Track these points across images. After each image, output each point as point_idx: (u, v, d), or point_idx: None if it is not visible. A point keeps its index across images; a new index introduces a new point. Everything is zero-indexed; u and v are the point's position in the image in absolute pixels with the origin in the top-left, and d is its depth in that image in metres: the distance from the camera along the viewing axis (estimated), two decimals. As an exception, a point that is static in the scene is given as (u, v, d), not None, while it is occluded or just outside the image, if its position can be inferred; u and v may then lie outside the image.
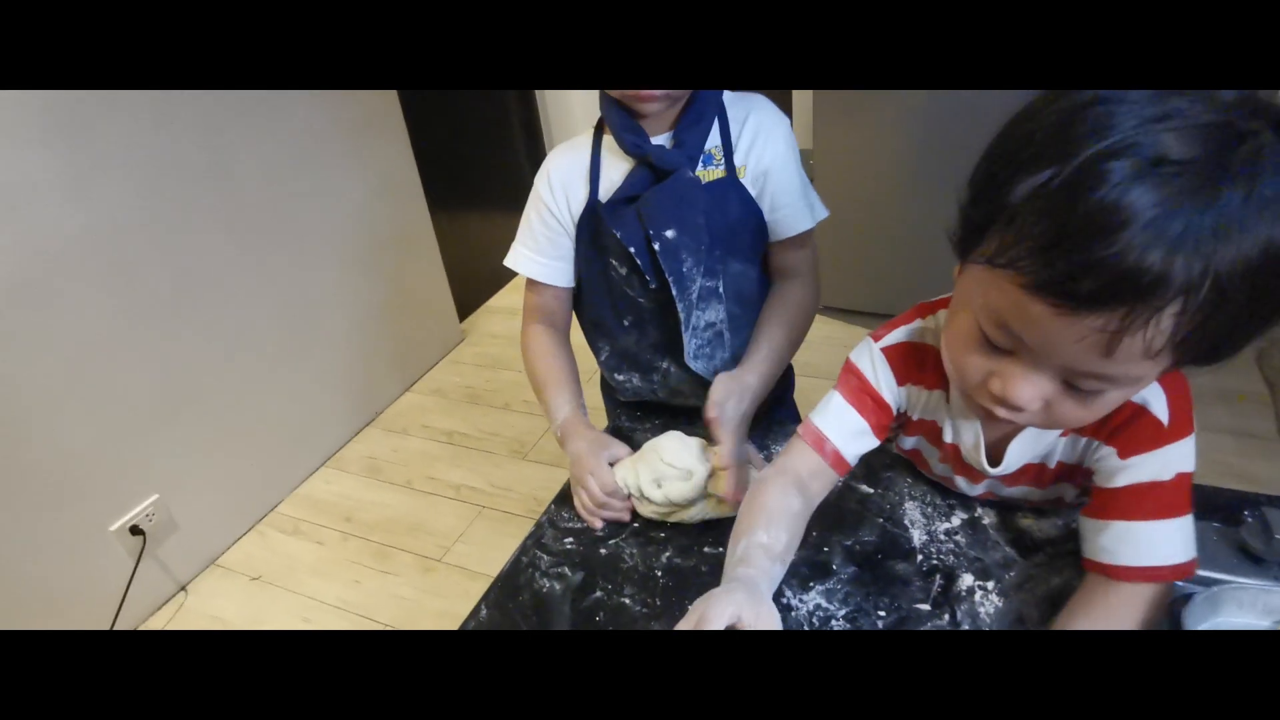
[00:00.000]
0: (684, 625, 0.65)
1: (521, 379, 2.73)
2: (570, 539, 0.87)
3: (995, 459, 0.74)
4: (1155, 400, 0.64)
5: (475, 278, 3.13)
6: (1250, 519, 0.74)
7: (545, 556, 0.85)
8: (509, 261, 1.08)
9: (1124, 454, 0.65)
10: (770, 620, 0.66)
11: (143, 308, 1.84)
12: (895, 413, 0.78)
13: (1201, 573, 0.71)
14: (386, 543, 2.11)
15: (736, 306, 1.03)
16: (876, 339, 0.78)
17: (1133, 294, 0.46)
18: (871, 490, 0.88)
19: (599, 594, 0.80)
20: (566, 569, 0.83)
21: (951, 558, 0.78)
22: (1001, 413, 0.59)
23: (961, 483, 0.82)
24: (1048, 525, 0.80)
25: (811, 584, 0.78)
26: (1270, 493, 0.81)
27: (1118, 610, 0.65)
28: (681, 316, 0.98)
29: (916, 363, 0.76)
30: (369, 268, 2.49)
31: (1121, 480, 0.65)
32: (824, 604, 0.75)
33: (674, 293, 0.97)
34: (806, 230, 1.01)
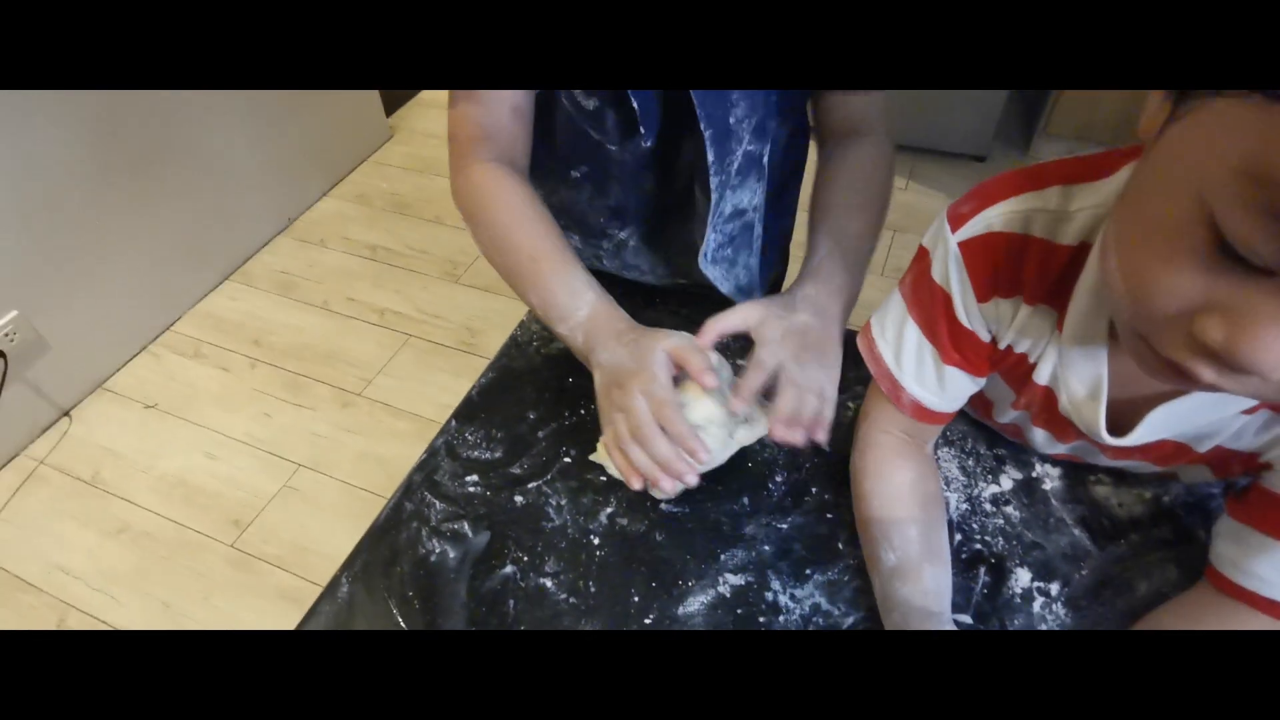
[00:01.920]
0: None
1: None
2: (474, 476, 0.63)
3: (1120, 426, 0.49)
4: None
5: (406, 58, 2.63)
6: None
7: (438, 503, 0.61)
8: None
9: None
10: None
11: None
12: (989, 338, 0.52)
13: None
14: (300, 372, 1.87)
15: (778, 182, 0.70)
16: (954, 224, 0.49)
17: None
18: (892, 425, 0.65)
19: (509, 568, 0.57)
20: (466, 525, 0.59)
21: (1000, 540, 0.57)
22: (1207, 374, 0.33)
23: (1039, 437, 0.58)
24: (1131, 499, 0.58)
25: (810, 571, 0.56)
26: None
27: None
28: (712, 196, 0.65)
29: (1013, 264, 0.48)
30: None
31: None
32: (825, 604, 0.54)
33: (709, 158, 0.62)
34: None
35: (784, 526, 0.58)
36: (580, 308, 0.59)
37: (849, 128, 0.69)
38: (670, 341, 0.54)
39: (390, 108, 2.56)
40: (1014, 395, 0.55)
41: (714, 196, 0.65)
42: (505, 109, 0.64)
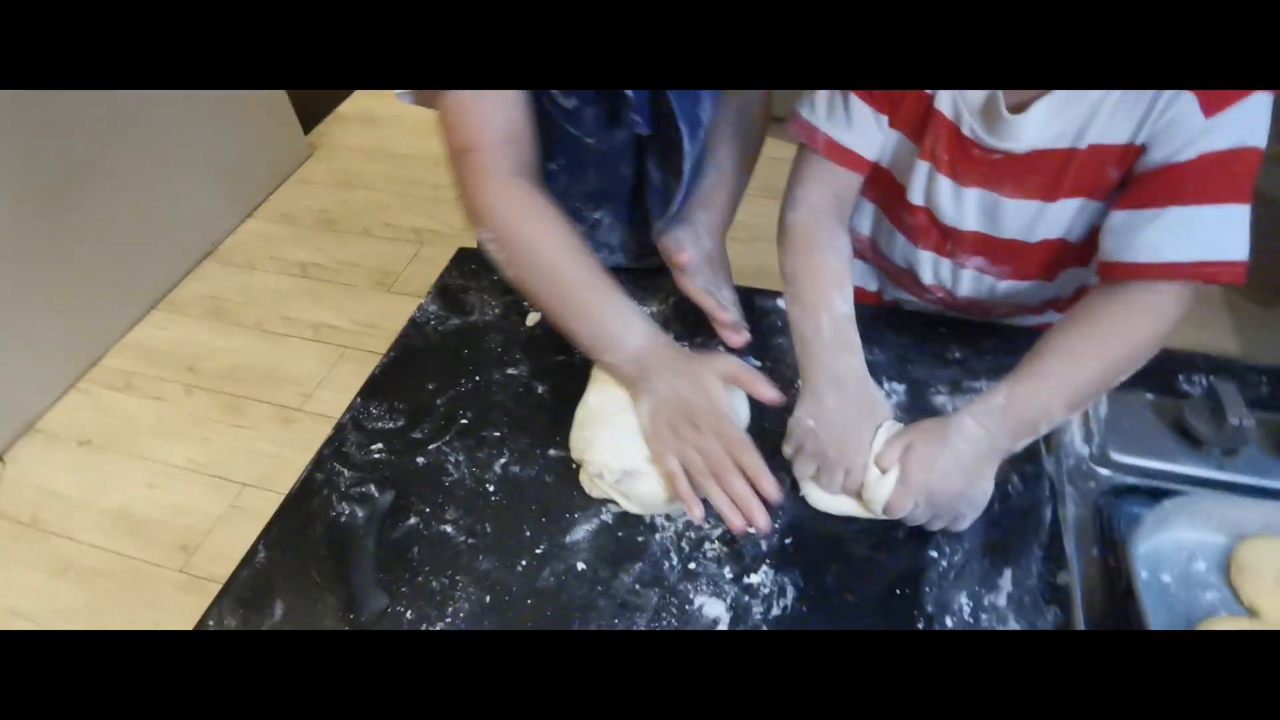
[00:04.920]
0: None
1: (382, 199, 2.41)
2: (379, 445, 0.68)
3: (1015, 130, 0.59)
4: None
5: (319, 76, 2.64)
6: (1193, 391, 0.62)
7: (346, 471, 0.66)
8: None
9: (1210, 108, 0.51)
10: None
11: None
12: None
13: (1127, 459, 0.60)
14: (239, 393, 1.88)
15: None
16: None
17: None
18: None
19: (413, 520, 0.62)
20: (373, 487, 0.65)
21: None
22: None
23: (946, 190, 0.66)
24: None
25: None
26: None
27: (1142, 319, 0.55)
28: (684, 179, 0.73)
29: None
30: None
31: (1194, 149, 0.52)
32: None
33: (685, 147, 0.70)
34: None
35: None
36: (633, 338, 0.62)
37: None
38: (720, 366, 0.60)
39: (308, 125, 2.57)
40: (917, 147, 0.65)
41: (685, 177, 0.72)
42: (520, 106, 0.65)
